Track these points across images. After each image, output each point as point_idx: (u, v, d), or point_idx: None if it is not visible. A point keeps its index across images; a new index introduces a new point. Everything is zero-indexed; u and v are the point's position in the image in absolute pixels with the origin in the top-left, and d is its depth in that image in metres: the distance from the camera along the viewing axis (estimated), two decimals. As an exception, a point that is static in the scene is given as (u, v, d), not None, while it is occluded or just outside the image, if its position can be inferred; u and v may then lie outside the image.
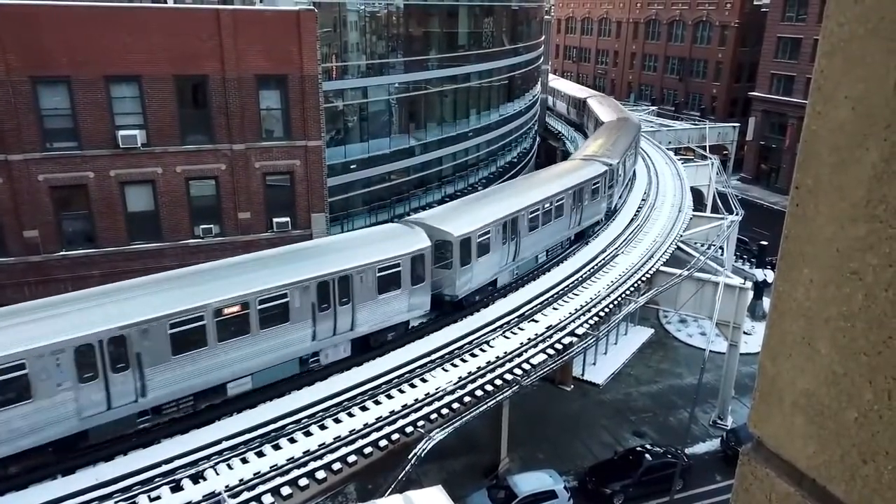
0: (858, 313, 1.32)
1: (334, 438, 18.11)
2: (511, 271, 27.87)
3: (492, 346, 23.18)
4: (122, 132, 24.48)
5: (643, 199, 40.52)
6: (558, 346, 23.67)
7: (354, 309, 20.99)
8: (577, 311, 25.88)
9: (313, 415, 19.02)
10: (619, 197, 38.47)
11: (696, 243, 36.37)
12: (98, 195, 24.77)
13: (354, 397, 19.96)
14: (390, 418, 19.08)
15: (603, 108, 54.51)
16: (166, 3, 32.10)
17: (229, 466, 16.91)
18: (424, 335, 23.47)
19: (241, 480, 16.38)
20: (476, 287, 25.27)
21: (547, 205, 29.05)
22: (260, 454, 17.43)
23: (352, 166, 34.36)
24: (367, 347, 21.99)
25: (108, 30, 23.78)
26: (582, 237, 33.27)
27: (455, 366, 21.95)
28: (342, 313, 20.73)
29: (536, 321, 25.05)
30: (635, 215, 37.59)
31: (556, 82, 74.01)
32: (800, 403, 1.46)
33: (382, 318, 21.97)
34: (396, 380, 20.91)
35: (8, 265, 23.95)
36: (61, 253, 24.70)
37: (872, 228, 1.28)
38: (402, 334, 23.06)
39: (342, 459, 17.53)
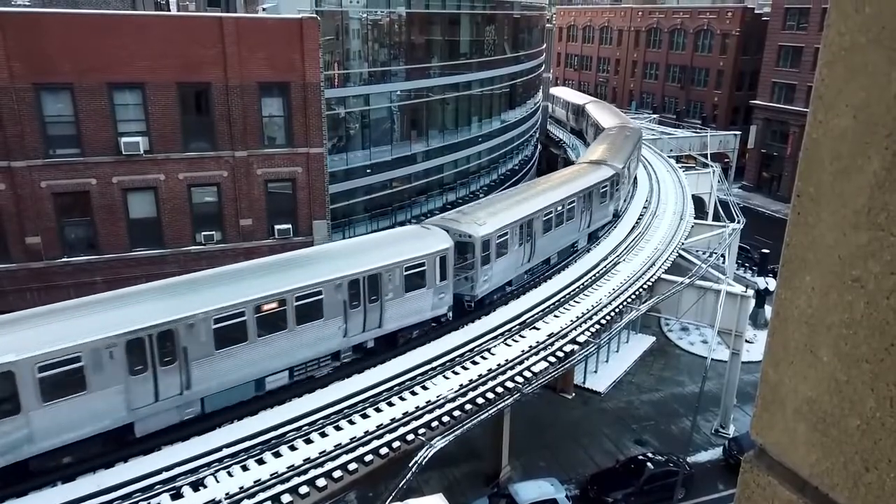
0: (860, 321, 1.32)
1: (335, 446, 18.06)
2: (526, 272, 28.69)
3: (493, 354, 23.14)
4: (124, 139, 24.56)
5: (644, 207, 40.52)
6: (560, 354, 23.62)
7: (383, 306, 21.78)
8: (578, 318, 25.83)
9: (314, 422, 18.97)
10: (624, 200, 39.11)
11: (697, 251, 36.33)
12: (100, 202, 24.83)
13: (355, 405, 19.92)
14: (391, 426, 19.03)
15: (602, 113, 54.67)
16: (170, 10, 32.24)
17: (229, 474, 16.86)
18: (445, 334, 24.22)
19: (241, 488, 16.33)
20: (495, 287, 26.09)
21: (560, 207, 30.05)
22: (260, 462, 17.37)
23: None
24: (393, 344, 22.88)
25: (111, 37, 23.90)
26: (592, 239, 34.23)
27: (456, 373, 21.91)
28: (371, 310, 21.57)
29: (538, 329, 25.01)
30: (636, 223, 37.59)
31: (555, 90, 74.27)
32: (802, 411, 1.46)
33: (408, 316, 22.80)
34: (397, 387, 20.87)
35: (10, 271, 23.98)
36: (63, 259, 24.74)
37: (874, 236, 1.29)
38: (426, 332, 23.85)
39: (343, 467, 17.48)
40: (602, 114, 54.73)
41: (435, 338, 23.64)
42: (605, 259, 31.96)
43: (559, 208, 29.95)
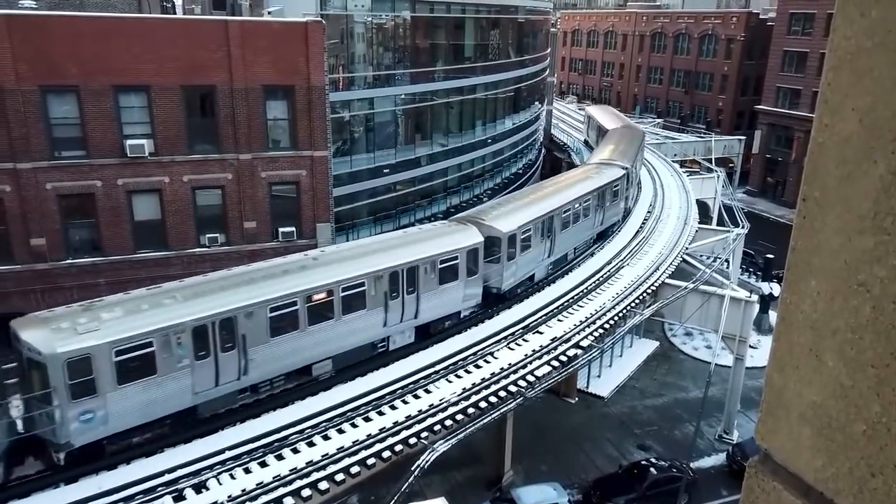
0: (866, 325, 1.32)
1: (337, 449, 18.06)
2: (546, 266, 29.75)
3: (496, 358, 23.12)
4: (129, 141, 24.64)
5: (648, 212, 40.47)
6: (563, 358, 23.58)
7: (419, 298, 22.83)
8: (582, 322, 25.80)
9: (316, 425, 18.97)
10: (632, 199, 40.22)
11: (701, 256, 36.27)
12: (105, 204, 24.90)
13: (358, 408, 19.92)
14: (394, 429, 19.02)
15: (605, 116, 54.59)
16: (175, 14, 32.38)
17: (232, 476, 16.86)
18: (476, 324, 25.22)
19: (243, 491, 16.34)
20: (519, 280, 27.35)
21: (577, 205, 31.22)
22: (263, 464, 17.38)
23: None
24: (427, 334, 23.87)
25: (117, 40, 23.99)
26: (604, 237, 35.12)
27: (459, 377, 21.90)
28: (409, 302, 22.61)
29: (541, 333, 24.98)
30: (641, 227, 37.54)
31: (592, 111, 65.33)
32: (807, 416, 1.45)
33: (442, 307, 23.93)
34: (400, 390, 20.87)
35: (15, 273, 24.05)
36: (68, 261, 24.80)
37: (880, 241, 1.28)
38: (456, 323, 24.82)
39: (345, 470, 17.47)
40: (605, 117, 54.65)
41: (468, 328, 24.90)
42: (608, 263, 31.93)
43: (577, 206, 31.23)
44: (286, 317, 19.59)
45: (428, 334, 23.80)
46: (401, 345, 22.91)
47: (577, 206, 31.21)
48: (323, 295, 20.32)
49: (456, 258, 23.83)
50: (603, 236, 35.10)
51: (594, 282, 29.72)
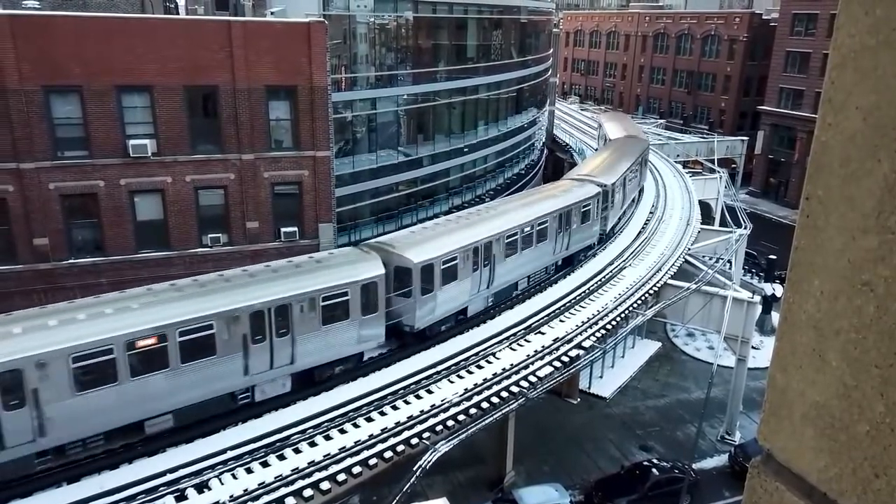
0: (870, 325, 1.31)
1: (339, 449, 18.07)
2: (485, 298, 26.14)
3: (498, 358, 23.11)
4: (132, 141, 24.69)
5: (651, 212, 40.44)
6: (565, 359, 23.57)
7: (294, 341, 19.72)
8: (584, 323, 25.79)
9: (318, 426, 18.98)
10: (621, 218, 37.00)
11: (704, 257, 36.22)
12: (108, 204, 24.94)
13: (359, 408, 19.93)
14: (395, 429, 19.02)
15: (613, 125, 52.18)
16: (178, 14, 32.42)
17: (234, 476, 16.88)
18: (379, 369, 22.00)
19: (245, 490, 16.35)
20: (441, 317, 23.85)
21: (528, 229, 27.32)
22: (265, 464, 17.39)
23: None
24: (312, 382, 20.81)
25: (120, 40, 24.04)
26: (570, 262, 31.32)
27: (461, 377, 21.89)
28: (281, 346, 19.48)
29: (543, 333, 24.97)
30: (643, 228, 37.51)
31: (605, 123, 64.09)
32: (810, 416, 1.44)
33: (328, 351, 20.68)
34: (402, 391, 20.86)
35: (17, 272, 24.10)
36: (70, 261, 24.84)
37: (884, 240, 1.28)
38: (354, 368, 21.55)
39: (347, 470, 17.48)
40: (612, 125, 52.18)
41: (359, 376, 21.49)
42: (611, 264, 31.90)
43: (527, 230, 27.37)
44: (100, 367, 16.52)
45: (313, 382, 20.66)
46: (272, 395, 19.81)
47: (527, 229, 27.31)
48: (152, 340, 17.30)
49: (346, 293, 20.58)
50: (569, 262, 31.32)
51: (597, 282, 29.70)
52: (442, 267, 23.31)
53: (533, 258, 28.28)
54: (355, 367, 21.68)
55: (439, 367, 22.20)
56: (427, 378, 21.61)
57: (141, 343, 17.20)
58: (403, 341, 23.42)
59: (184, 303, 18.22)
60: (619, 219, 37.29)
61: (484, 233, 25.47)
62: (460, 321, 25.22)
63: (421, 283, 22.58)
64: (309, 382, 20.65)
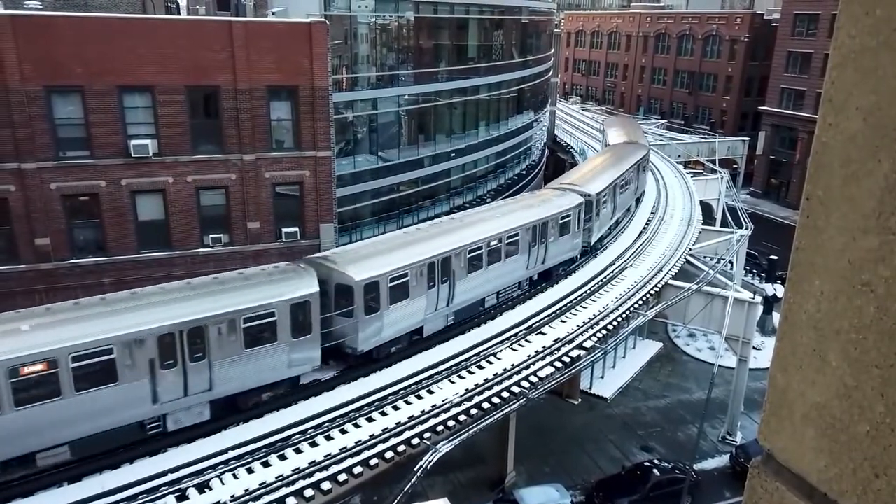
0: (870, 325, 1.31)
1: (340, 449, 18.07)
2: (445, 317, 24.26)
3: (499, 359, 23.10)
4: (133, 142, 24.71)
5: (652, 213, 40.42)
6: (566, 359, 23.56)
7: (212, 366, 18.26)
8: (585, 323, 25.77)
9: (319, 426, 18.98)
10: (614, 227, 35.99)
11: (705, 257, 36.21)
12: (109, 204, 24.97)
13: (361, 408, 19.92)
14: (396, 430, 19.02)
15: (616, 130, 49.96)
16: (180, 14, 32.45)
17: (235, 476, 16.89)
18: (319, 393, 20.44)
19: (246, 490, 16.36)
20: (390, 338, 22.21)
21: (494, 242, 25.38)
22: (266, 464, 17.40)
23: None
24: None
25: (121, 40, 24.06)
26: (549, 277, 29.05)
27: (462, 378, 21.88)
28: (196, 371, 18.00)
29: (544, 334, 24.96)
30: (644, 228, 37.49)
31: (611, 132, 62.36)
32: (811, 416, 1.45)
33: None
34: (403, 391, 20.86)
35: (19, 272, 24.13)
36: (72, 261, 24.87)
37: (885, 240, 1.28)
38: (286, 393, 19.90)
39: (348, 471, 17.48)
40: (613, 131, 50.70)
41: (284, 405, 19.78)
42: (611, 264, 31.88)
43: (494, 243, 25.57)
44: (400, 286, 18.40)
45: (237, 409, 19.16)
46: (187, 424, 18.26)
47: (494, 243, 25.56)
48: (39, 367, 15.76)
49: (272, 313, 19.01)
50: (548, 276, 29.16)
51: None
52: (390, 284, 21.62)
53: (502, 273, 26.27)
54: (288, 392, 19.86)
55: (385, 392, 20.57)
56: (370, 405, 19.94)
57: (27, 370, 15.58)
58: (350, 364, 21.68)
59: (82, 325, 16.62)
60: (613, 228, 36.11)
61: (442, 247, 23.64)
62: (416, 341, 23.37)
63: (364, 301, 20.88)
64: (233, 410, 19.07)
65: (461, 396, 20.69)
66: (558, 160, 65.12)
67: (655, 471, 26.56)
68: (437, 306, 23.69)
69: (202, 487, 16.47)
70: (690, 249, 34.87)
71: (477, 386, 21.31)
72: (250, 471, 17.13)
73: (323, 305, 20.30)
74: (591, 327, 25.62)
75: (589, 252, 32.40)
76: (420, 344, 23.43)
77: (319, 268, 20.94)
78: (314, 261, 21.80)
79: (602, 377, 34.60)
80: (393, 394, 20.55)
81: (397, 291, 21.92)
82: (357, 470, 17.59)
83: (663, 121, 77.39)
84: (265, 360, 19.09)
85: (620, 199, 36.13)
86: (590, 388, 33.72)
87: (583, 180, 33.26)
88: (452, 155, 39.97)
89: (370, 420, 19.47)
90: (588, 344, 24.72)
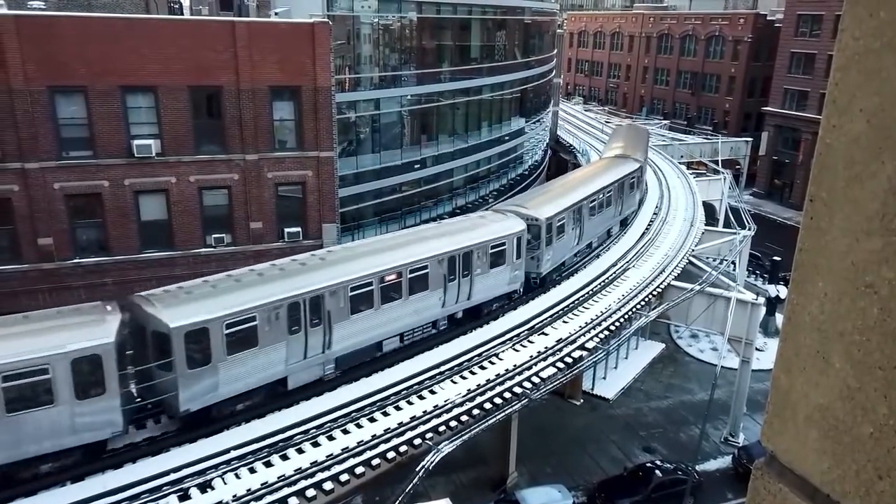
0: (874, 327, 1.31)
1: (342, 449, 18.08)
2: (321, 366, 21.33)
3: (501, 359, 23.10)
4: (136, 142, 24.74)
5: (654, 213, 40.36)
6: (568, 360, 23.55)
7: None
8: (587, 324, 25.76)
9: (321, 426, 18.99)
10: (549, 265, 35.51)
11: (707, 258, 36.16)
12: (112, 204, 25.00)
13: (363, 408, 19.93)
14: (398, 430, 19.03)
15: (617, 139, 45.90)
16: (183, 14, 32.50)
17: (237, 476, 16.90)
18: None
19: (248, 490, 16.37)
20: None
21: (391, 277, 22.45)
22: (268, 464, 17.41)
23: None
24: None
25: (124, 41, 24.09)
26: (478, 314, 26.06)
27: (464, 378, 21.88)
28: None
29: (546, 334, 24.95)
30: (647, 229, 37.43)
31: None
32: (814, 417, 1.44)
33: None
34: (405, 391, 20.86)
35: (21, 272, 24.17)
36: (74, 261, 24.91)
37: (888, 242, 1.28)
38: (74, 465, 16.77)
39: (350, 471, 17.49)
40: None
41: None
42: (614, 265, 31.85)
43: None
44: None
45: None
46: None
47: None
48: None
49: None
50: (477, 313, 25.89)
51: (599, 283, 29.66)
52: (227, 331, 18.23)
53: (406, 313, 22.95)
54: (78, 462, 16.81)
55: (442, 368, 21.90)
56: (429, 379, 21.38)
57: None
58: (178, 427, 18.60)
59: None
60: (588, 253, 33.53)
61: (310, 284, 20.21)
62: (279, 394, 20.09)
63: (186, 352, 17.49)
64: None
65: (463, 397, 20.69)
66: (560, 160, 65.10)
67: (657, 472, 26.53)
68: (307, 354, 20.31)
69: (204, 487, 16.50)
70: (693, 250, 34.82)
71: (479, 386, 21.29)
72: (252, 470, 17.15)
73: (141, 356, 17.86)
74: (594, 328, 25.58)
75: (538, 286, 28.84)
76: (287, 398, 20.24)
77: (136, 309, 17.99)
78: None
79: (604, 378, 34.56)
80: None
81: (240, 338, 18.56)
82: (359, 470, 17.60)
83: (666, 121, 77.28)
84: (40, 426, 15.91)
85: (591, 222, 32.80)
86: (592, 389, 33.69)
87: (537, 202, 29.78)
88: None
89: (372, 420, 19.47)
90: (590, 344, 24.69)
